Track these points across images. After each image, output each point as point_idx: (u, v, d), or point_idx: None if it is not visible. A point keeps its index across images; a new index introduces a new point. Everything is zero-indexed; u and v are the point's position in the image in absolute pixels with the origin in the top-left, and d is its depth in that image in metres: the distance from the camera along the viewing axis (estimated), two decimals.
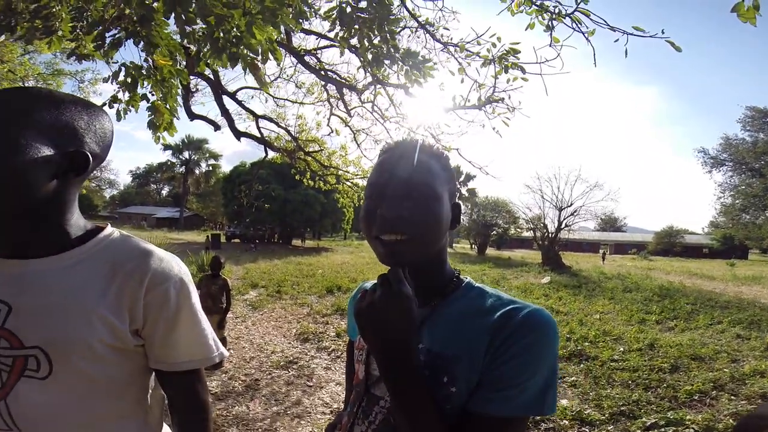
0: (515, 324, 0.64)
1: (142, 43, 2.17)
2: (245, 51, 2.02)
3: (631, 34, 2.43)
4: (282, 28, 1.96)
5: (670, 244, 48.58)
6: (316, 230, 35.89)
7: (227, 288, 4.68)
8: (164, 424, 0.91)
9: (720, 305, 8.74)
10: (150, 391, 0.86)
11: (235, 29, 1.94)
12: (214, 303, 4.56)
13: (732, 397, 3.69)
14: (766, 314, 7.58)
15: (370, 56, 2.64)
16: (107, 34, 2.12)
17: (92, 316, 0.72)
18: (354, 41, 2.62)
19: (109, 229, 0.82)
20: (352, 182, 7.66)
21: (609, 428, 3.13)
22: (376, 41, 2.53)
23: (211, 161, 45.97)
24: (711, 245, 48.40)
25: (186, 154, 45.51)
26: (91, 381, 0.74)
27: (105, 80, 2.60)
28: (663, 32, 2.36)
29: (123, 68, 2.41)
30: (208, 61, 2.27)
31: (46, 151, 0.69)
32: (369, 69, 3.28)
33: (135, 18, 1.90)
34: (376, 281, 0.90)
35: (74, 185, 0.76)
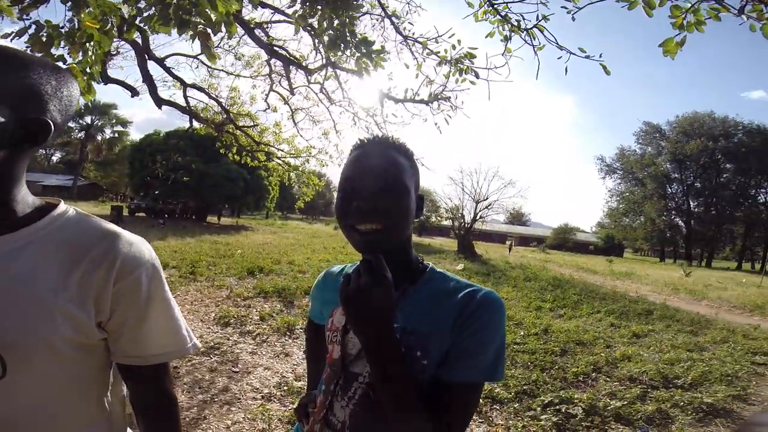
0: (475, 304, 0.76)
1: (70, 2, 1.88)
2: (197, 19, 1.86)
3: (574, 54, 2.72)
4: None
5: (565, 240, 55.06)
6: (237, 207, 33.97)
7: None
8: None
9: (599, 296, 10.13)
10: (110, 387, 0.78)
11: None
12: None
13: (607, 379, 4.36)
14: (633, 306, 8.96)
15: (326, 38, 2.59)
16: None
17: (52, 309, 0.64)
18: (312, 21, 2.54)
19: (63, 206, 0.72)
20: (283, 160, 7.41)
21: (515, 405, 3.53)
22: (335, 24, 2.48)
23: (118, 128, 40.85)
24: (596, 243, 55.86)
25: (88, 119, 39.87)
26: (49, 383, 0.66)
27: (7, 36, 2.19)
28: (600, 56, 2.69)
29: (35, 26, 2.06)
30: (146, 27, 2.06)
31: (7, 118, 0.61)
32: (323, 52, 3.20)
33: None
34: (345, 266, 1.01)
35: (26, 157, 0.67)
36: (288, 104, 5.83)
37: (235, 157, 6.83)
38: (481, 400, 3.49)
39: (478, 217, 23.56)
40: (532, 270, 15.16)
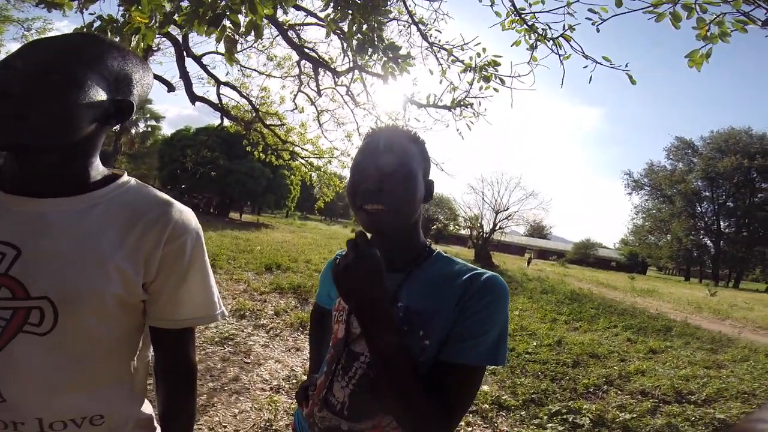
0: (478, 285, 0.77)
1: None
2: (227, 23, 1.98)
3: (600, 63, 2.74)
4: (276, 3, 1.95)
5: (586, 255, 53.76)
6: (258, 205, 34.62)
7: None
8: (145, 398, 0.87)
9: (618, 312, 9.90)
10: (138, 352, 0.81)
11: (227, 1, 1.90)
12: None
13: (618, 392, 4.30)
14: (652, 322, 8.74)
15: (355, 42, 2.69)
16: None
17: (109, 266, 0.69)
18: (343, 25, 2.65)
19: (126, 177, 0.80)
20: (306, 160, 7.57)
21: (522, 413, 3.52)
22: (364, 28, 2.58)
23: (152, 122, 42.25)
24: (619, 260, 54.26)
25: None
26: (90, 339, 0.70)
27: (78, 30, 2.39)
28: (626, 65, 2.70)
29: (99, 20, 2.23)
30: (183, 24, 2.19)
31: (101, 95, 0.70)
32: (352, 54, 3.31)
33: None
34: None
35: (107, 131, 0.76)
36: (315, 105, 5.99)
37: (261, 155, 7.01)
38: (487, 406, 3.51)
39: (497, 228, 23.34)
40: (549, 283, 14.90)
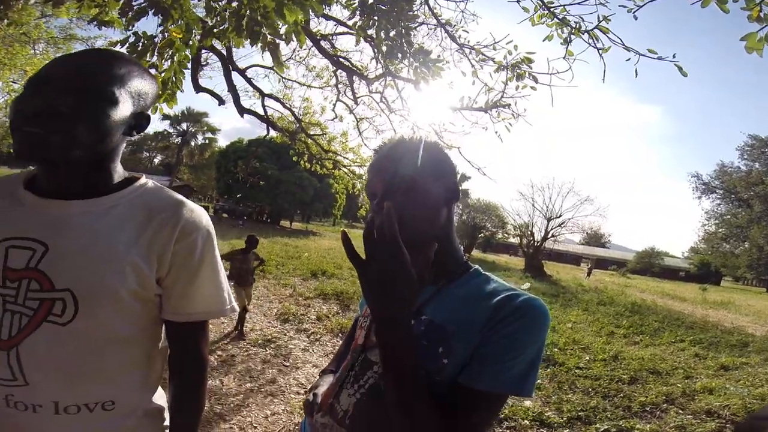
0: (511, 308, 0.69)
1: (160, 14, 2.20)
2: (266, 31, 2.07)
3: (644, 55, 2.55)
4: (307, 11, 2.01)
5: (650, 264, 49.69)
6: (306, 213, 35.80)
7: (261, 261, 5.42)
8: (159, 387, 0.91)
9: (686, 325, 9.06)
10: (158, 345, 0.86)
11: (262, 9, 1.99)
12: (242, 279, 4.90)
13: (680, 411, 3.91)
14: (726, 336, 7.90)
15: (384, 48, 2.70)
16: (134, 3, 2.14)
17: (125, 263, 0.73)
18: (371, 32, 2.68)
19: (144, 179, 0.86)
20: (348, 169, 7.70)
21: (565, 431, 3.30)
22: (392, 34, 2.59)
23: (209, 135, 45.52)
24: (688, 269, 49.64)
25: (184, 126, 45.08)
26: (107, 330, 0.74)
27: (112, 44, 2.60)
28: (674, 56, 2.49)
29: (134, 36, 2.43)
30: (220, 37, 2.31)
31: (128, 110, 0.78)
32: (382, 60, 3.34)
33: None
34: None
35: (126, 140, 0.83)
36: (353, 114, 6.10)
37: (306, 164, 7.23)
38: (527, 422, 3.32)
39: (549, 236, 22.27)
40: (608, 294, 13.95)
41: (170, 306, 0.81)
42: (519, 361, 0.66)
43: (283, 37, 2.10)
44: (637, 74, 2.68)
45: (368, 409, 0.77)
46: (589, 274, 25.43)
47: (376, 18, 2.40)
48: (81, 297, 0.70)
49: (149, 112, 0.84)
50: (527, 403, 3.73)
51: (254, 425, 2.84)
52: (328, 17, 3.98)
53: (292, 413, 3.10)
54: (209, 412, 2.89)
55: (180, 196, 0.84)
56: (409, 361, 0.66)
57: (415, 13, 2.65)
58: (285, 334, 5.15)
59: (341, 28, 4.35)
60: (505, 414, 3.39)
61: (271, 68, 5.84)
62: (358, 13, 2.47)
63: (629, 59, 2.47)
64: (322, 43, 4.32)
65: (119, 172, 0.82)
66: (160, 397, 0.89)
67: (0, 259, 0.70)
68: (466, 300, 0.75)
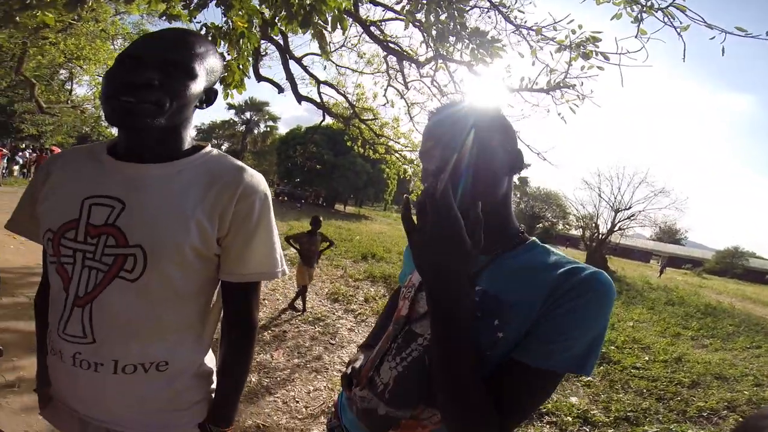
0: (576, 281, 0.64)
1: (222, 5, 2.35)
2: (316, 18, 2.14)
3: (730, 33, 2.29)
4: None
5: (731, 265, 44.66)
6: (359, 198, 36.51)
7: (331, 243, 5.58)
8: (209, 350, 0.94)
9: (765, 331, 8.19)
10: (211, 307, 0.90)
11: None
12: (308, 259, 5.14)
13: (740, 419, 3.57)
14: None
15: (434, 32, 2.67)
16: None
17: (191, 221, 0.78)
18: (420, 16, 2.66)
19: (209, 147, 0.91)
20: (400, 153, 7.74)
21: (609, 431, 3.16)
22: (442, 17, 2.55)
23: (270, 123, 47.76)
24: None
25: (247, 115, 47.67)
26: (170, 287, 0.79)
27: None
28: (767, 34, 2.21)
29: (204, 28, 2.61)
30: (281, 27, 2.42)
31: (203, 85, 0.84)
32: (432, 44, 3.30)
33: None
34: None
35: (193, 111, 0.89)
36: (404, 99, 6.09)
37: (360, 149, 7.38)
38: (570, 419, 3.22)
39: (616, 228, 20.72)
40: (678, 293, 12.86)
41: (227, 266, 0.85)
42: (582, 338, 0.62)
43: (329, 25, 2.17)
44: (723, 52, 2.41)
45: (410, 383, 0.74)
46: (661, 272, 23.18)
47: (424, 2, 2.38)
48: (150, 252, 0.76)
49: (217, 87, 0.91)
50: (573, 399, 3.61)
51: (296, 399, 3.00)
52: (376, 3, 3.99)
53: (333, 390, 3.24)
54: (257, 384, 3.09)
55: (241, 163, 0.89)
56: (463, 330, 0.61)
57: None
58: (333, 314, 5.37)
59: (390, 14, 4.35)
60: (547, 408, 3.31)
61: (324, 56, 5.99)
62: None
63: (713, 37, 2.23)
64: (372, 29, 4.33)
65: (188, 139, 0.88)
66: (210, 360, 0.94)
67: (84, 215, 0.77)
68: (524, 271, 0.70)
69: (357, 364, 0.92)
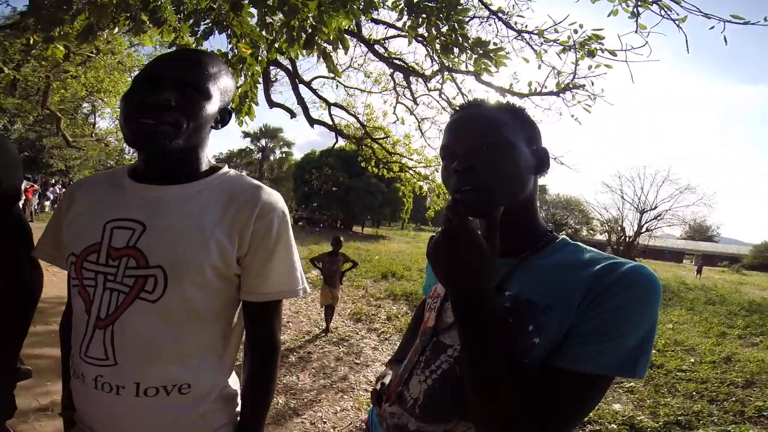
0: (616, 277, 0.59)
1: (227, 33, 2.44)
2: (318, 39, 2.20)
3: (728, 21, 2.26)
4: (352, 17, 2.10)
5: None
6: (376, 218, 36.66)
7: (354, 263, 5.58)
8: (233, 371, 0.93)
9: None
10: (233, 328, 0.89)
11: (310, 19, 2.13)
12: (331, 279, 5.16)
13: None
14: None
15: (438, 45, 2.71)
16: (202, 23, 2.41)
17: (209, 240, 0.78)
18: (422, 30, 2.70)
19: (227, 168, 0.92)
20: (414, 170, 7.76)
21: None
22: (444, 30, 2.58)
23: (285, 149, 49.06)
24: None
25: (263, 142, 49.06)
26: (191, 308, 0.78)
27: None
28: (766, 20, 2.17)
29: None
30: (282, 50, 2.49)
31: (218, 106, 0.86)
32: (437, 57, 3.34)
33: (227, 6, 2.14)
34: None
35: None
36: (414, 114, 6.15)
37: (374, 169, 7.45)
38: (615, 426, 3.05)
39: (643, 230, 20.06)
40: (718, 292, 12.29)
41: (247, 285, 0.84)
42: (628, 338, 0.57)
43: (331, 45, 2.21)
44: (726, 42, 2.37)
45: (441, 397, 0.71)
46: (699, 271, 21.94)
47: (424, 16, 2.42)
48: (170, 272, 0.76)
49: (231, 107, 0.93)
50: (616, 406, 3.43)
51: (324, 420, 2.96)
52: (377, 21, 4.09)
53: (360, 409, 3.18)
54: (285, 406, 3.06)
55: (258, 182, 0.90)
56: (491, 338, 0.60)
57: (465, 6, 2.61)
58: (357, 333, 5.32)
59: (392, 31, 4.44)
60: (589, 417, 3.15)
61: (332, 78, 6.12)
62: (405, 13, 2.51)
63: (713, 27, 2.20)
64: (376, 47, 4.43)
65: (205, 160, 0.89)
66: (234, 382, 0.92)
67: (105, 239, 0.78)
68: (557, 271, 0.66)
69: (386, 380, 0.90)
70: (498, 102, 0.78)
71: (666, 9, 2.36)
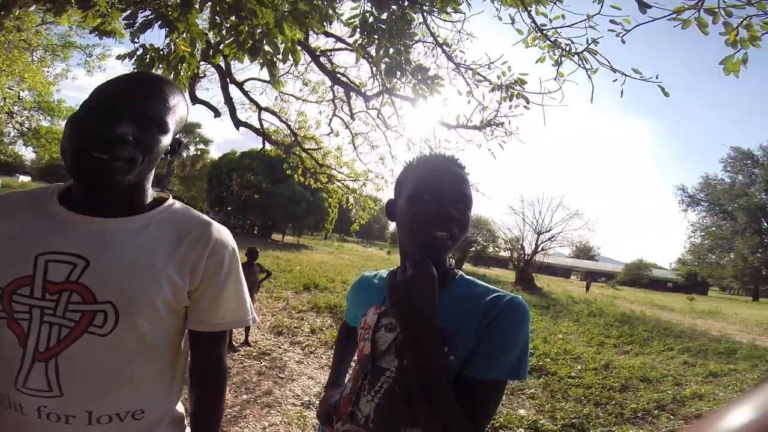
0: (500, 307, 0.81)
1: (167, 27, 2.28)
2: (266, 48, 2.16)
3: (629, 76, 2.70)
4: (306, 29, 2.10)
5: (638, 276, 50.20)
6: (298, 227, 35.70)
7: (269, 273, 5.51)
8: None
9: (674, 334, 9.19)
10: (180, 356, 0.90)
11: (263, 26, 2.08)
12: (250, 290, 4.75)
13: (671, 417, 4.01)
14: (713, 345, 8.03)
15: (383, 66, 2.81)
16: (140, 14, 2.22)
17: (161, 276, 0.78)
18: (371, 50, 2.79)
19: (172, 200, 0.90)
20: (343, 183, 7.78)
21: None
22: (391, 52, 2.70)
23: (201, 146, 45.22)
24: (675, 280, 50.25)
25: (176, 136, 45.12)
26: (142, 340, 0.78)
27: (120, 57, 2.66)
28: (657, 77, 2.64)
29: (142, 49, 2.49)
30: (225, 53, 2.39)
31: (171, 137, 0.83)
32: (380, 79, 3.45)
33: (177, 2, 2.00)
34: (379, 271, 1.09)
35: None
36: (349, 129, 6.21)
37: (300, 178, 7.29)
38: (522, 430, 3.37)
39: (539, 249, 22.41)
40: (597, 305, 14.09)
41: (197, 317, 0.86)
42: (512, 351, 0.78)
43: (281, 55, 2.19)
44: (622, 95, 2.84)
45: (388, 411, 0.84)
46: (587, 288, 25.13)
47: (376, 37, 2.51)
48: (122, 308, 0.74)
49: (182, 136, 0.91)
50: (521, 411, 3.78)
51: None
52: (328, 34, 4.11)
53: (290, 424, 3.09)
54: None
55: (206, 217, 0.90)
56: (441, 362, 0.77)
57: (414, 31, 2.77)
58: (279, 347, 5.14)
59: (340, 45, 4.49)
60: (500, 422, 3.43)
61: (268, 82, 5.93)
62: (358, 31, 2.58)
63: (616, 80, 2.62)
64: (321, 59, 4.44)
65: (150, 192, 0.87)
66: (181, 406, 0.93)
67: (39, 272, 0.73)
68: (460, 303, 0.85)
69: (332, 401, 1.02)
70: (456, 159, 0.94)
71: (584, 60, 2.74)
